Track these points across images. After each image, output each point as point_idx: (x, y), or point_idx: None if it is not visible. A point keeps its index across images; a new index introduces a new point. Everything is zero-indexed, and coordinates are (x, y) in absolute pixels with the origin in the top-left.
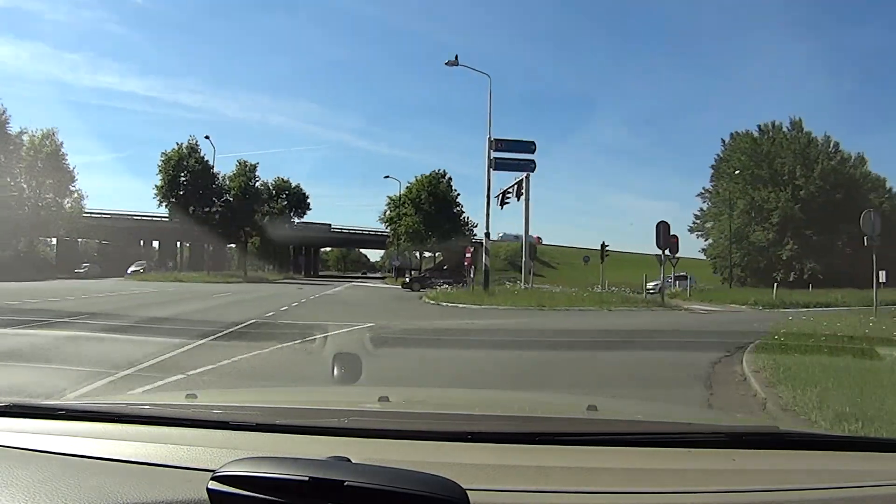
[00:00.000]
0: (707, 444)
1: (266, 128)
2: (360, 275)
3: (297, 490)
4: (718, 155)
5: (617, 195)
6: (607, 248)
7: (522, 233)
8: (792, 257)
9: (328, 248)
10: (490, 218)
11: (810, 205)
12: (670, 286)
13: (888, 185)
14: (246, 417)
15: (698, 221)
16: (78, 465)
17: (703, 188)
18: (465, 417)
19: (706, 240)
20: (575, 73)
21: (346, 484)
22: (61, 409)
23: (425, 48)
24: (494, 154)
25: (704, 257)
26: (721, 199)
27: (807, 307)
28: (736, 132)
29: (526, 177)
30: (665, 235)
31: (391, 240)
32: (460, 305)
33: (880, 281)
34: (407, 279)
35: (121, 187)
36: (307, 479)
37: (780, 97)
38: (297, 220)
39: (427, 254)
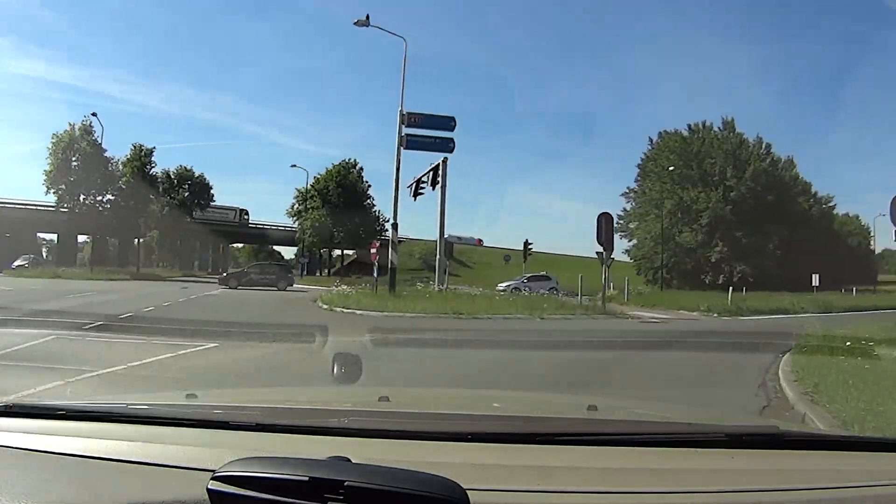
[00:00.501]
0: (707, 444)
1: (194, 121)
2: None
3: (297, 490)
4: (645, 154)
5: (542, 195)
6: (531, 247)
7: (450, 230)
8: (721, 259)
9: (240, 245)
10: (398, 205)
11: (741, 206)
12: (609, 289)
13: (813, 189)
14: (246, 417)
15: (622, 222)
16: (78, 465)
17: (628, 188)
18: (465, 417)
19: (630, 241)
20: (503, 71)
21: (346, 484)
22: (61, 409)
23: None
24: (407, 130)
25: (628, 259)
26: (647, 199)
27: (767, 314)
28: (665, 131)
29: (443, 161)
30: (607, 229)
31: (299, 235)
32: (358, 312)
33: (814, 284)
34: (224, 274)
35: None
36: (307, 479)
37: (710, 104)
38: (199, 211)
39: (337, 251)
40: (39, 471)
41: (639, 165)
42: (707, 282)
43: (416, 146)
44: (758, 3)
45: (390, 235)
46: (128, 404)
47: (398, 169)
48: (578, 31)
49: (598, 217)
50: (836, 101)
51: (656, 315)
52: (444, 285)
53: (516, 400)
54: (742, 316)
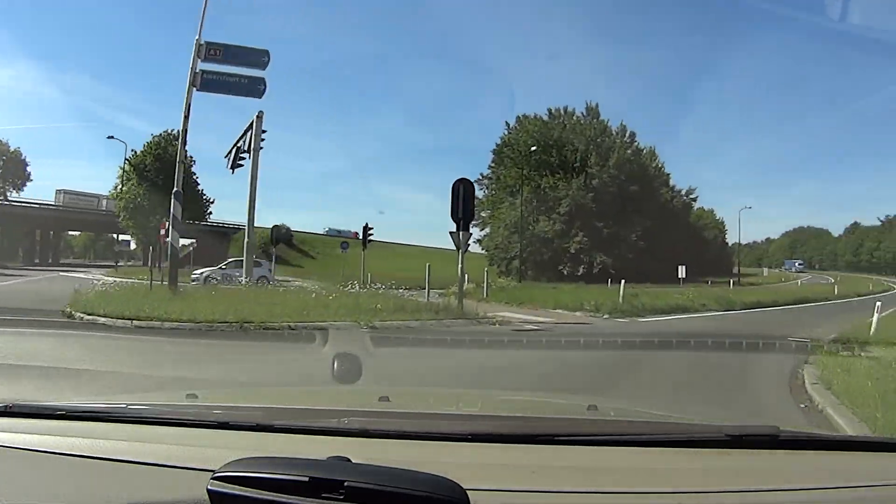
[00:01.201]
0: (707, 444)
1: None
2: (114, 264)
3: (298, 490)
4: (502, 138)
5: (391, 187)
6: (371, 233)
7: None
8: (581, 250)
9: (77, 233)
10: (183, 166)
11: (603, 195)
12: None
13: (671, 181)
14: (246, 418)
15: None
16: (78, 465)
17: (482, 174)
18: (465, 417)
19: (482, 230)
20: (354, 63)
21: (346, 484)
22: (61, 409)
23: None
24: (203, 65)
25: (480, 249)
26: (501, 185)
27: (669, 313)
28: (524, 115)
29: (257, 117)
30: (466, 200)
31: (120, 219)
32: (101, 320)
33: (680, 276)
34: None
35: None
36: (307, 479)
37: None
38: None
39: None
40: (39, 471)
41: (494, 150)
42: (565, 273)
43: (216, 87)
44: (621, 8)
45: (171, 208)
46: (128, 404)
47: (186, 117)
48: (438, 29)
49: (454, 185)
50: (689, 104)
51: (529, 317)
52: (265, 279)
53: (516, 400)
54: (640, 317)
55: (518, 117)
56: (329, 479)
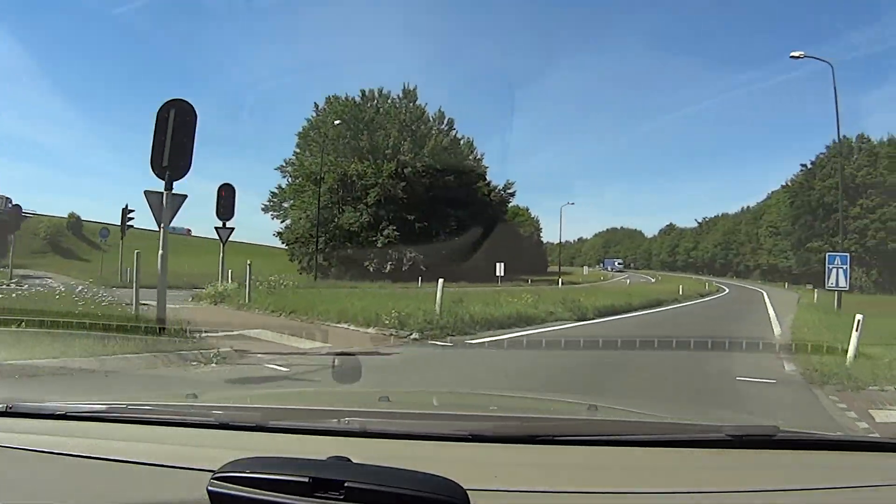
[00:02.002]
0: (707, 444)
1: None
2: None
3: (298, 490)
4: (309, 120)
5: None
6: (131, 218)
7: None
8: (389, 245)
9: None
10: None
11: (415, 185)
12: (226, 283)
13: (489, 176)
14: (246, 418)
15: (276, 200)
16: (78, 465)
17: (285, 160)
18: (465, 417)
19: (283, 221)
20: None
21: (346, 484)
22: (61, 409)
23: None
24: None
25: (280, 243)
26: (305, 171)
27: (504, 328)
28: (334, 95)
29: None
30: (228, 202)
31: None
32: None
33: (498, 274)
34: None
35: None
36: (307, 479)
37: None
38: None
39: None
40: (39, 471)
41: (299, 134)
42: (371, 270)
43: None
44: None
45: None
46: (128, 405)
47: None
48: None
49: (219, 189)
50: (512, 106)
51: (288, 341)
52: None
53: (516, 400)
54: (469, 335)
55: (328, 98)
56: (329, 479)
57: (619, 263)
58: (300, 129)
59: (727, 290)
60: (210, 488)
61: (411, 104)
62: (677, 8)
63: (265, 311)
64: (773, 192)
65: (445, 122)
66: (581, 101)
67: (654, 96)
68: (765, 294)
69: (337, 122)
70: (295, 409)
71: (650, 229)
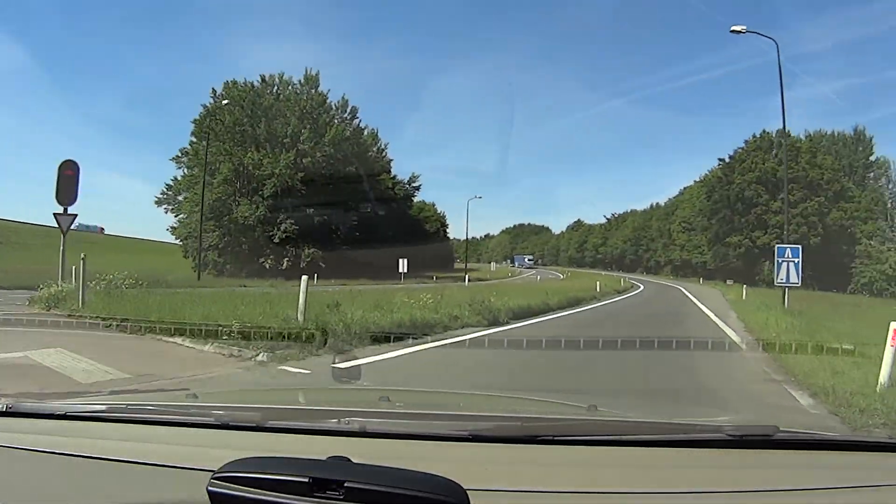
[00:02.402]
0: (707, 444)
1: None
2: None
3: (298, 490)
4: (206, 107)
5: (108, 175)
6: None
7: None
8: (287, 240)
9: None
10: None
11: (315, 177)
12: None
13: (393, 171)
14: (246, 418)
15: (170, 192)
16: (78, 465)
17: (181, 150)
18: (465, 417)
19: (177, 215)
20: None
21: (346, 484)
22: (61, 409)
23: None
24: None
25: (174, 239)
26: (201, 161)
27: (396, 342)
28: (233, 80)
29: None
30: (69, 183)
31: None
32: None
33: (401, 271)
34: None
35: None
36: (307, 479)
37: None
38: None
39: None
40: (39, 471)
41: (195, 121)
42: (267, 267)
43: None
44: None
45: None
46: (128, 404)
47: None
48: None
49: (60, 167)
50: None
51: (74, 378)
52: None
53: (516, 400)
54: (348, 352)
55: (226, 83)
56: (329, 479)
57: (529, 260)
58: (196, 117)
59: (642, 287)
60: (210, 488)
61: (313, 90)
62: (591, 5)
63: (95, 319)
64: (686, 188)
65: (349, 110)
66: (488, 98)
67: (562, 94)
68: (683, 290)
69: (225, 101)
70: (295, 409)
71: (558, 226)
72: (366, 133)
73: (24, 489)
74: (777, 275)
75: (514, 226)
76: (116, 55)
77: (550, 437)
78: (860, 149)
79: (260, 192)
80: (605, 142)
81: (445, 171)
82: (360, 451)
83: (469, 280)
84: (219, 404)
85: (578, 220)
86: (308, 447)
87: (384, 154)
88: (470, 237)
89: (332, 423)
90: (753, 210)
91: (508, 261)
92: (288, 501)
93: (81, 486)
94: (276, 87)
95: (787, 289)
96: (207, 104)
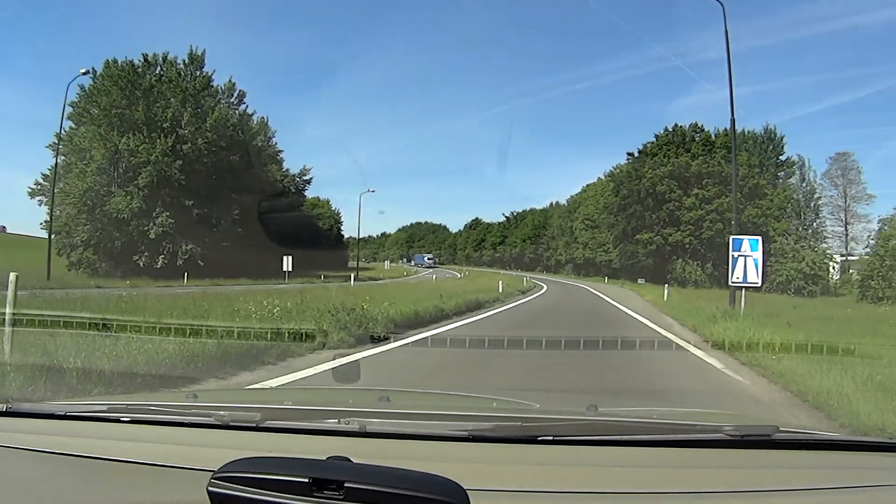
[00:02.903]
0: (707, 444)
1: None
2: None
3: (298, 490)
4: (84, 88)
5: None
6: None
7: None
8: (164, 235)
9: None
10: None
11: (195, 165)
12: None
13: (284, 162)
14: (246, 418)
15: (45, 182)
16: (78, 465)
17: (56, 134)
18: (465, 418)
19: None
20: None
21: (346, 484)
22: (61, 409)
23: None
24: None
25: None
26: (75, 148)
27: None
28: (113, 59)
29: None
30: None
31: None
32: None
33: (285, 269)
34: None
35: None
36: (307, 479)
37: None
38: None
39: None
40: (39, 471)
41: (73, 104)
42: (142, 265)
43: None
44: None
45: None
46: (128, 405)
47: None
48: None
49: None
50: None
51: None
52: None
53: (516, 401)
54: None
55: (106, 62)
56: (329, 479)
57: (429, 259)
58: (74, 98)
59: (546, 287)
60: (210, 488)
61: (197, 71)
62: (494, 6)
63: None
64: (589, 185)
65: (235, 94)
66: (386, 97)
67: (461, 94)
68: (592, 289)
69: (83, 70)
70: (295, 409)
71: (456, 224)
72: (255, 121)
73: (24, 489)
74: (732, 273)
75: (412, 224)
76: None
77: (550, 438)
78: (771, 147)
79: (135, 182)
80: (503, 142)
81: (344, 168)
82: (360, 451)
83: (359, 280)
84: (219, 404)
85: (476, 218)
86: (308, 447)
87: (273, 143)
88: (367, 236)
89: (332, 423)
90: (665, 206)
91: (404, 259)
92: (288, 501)
93: (81, 486)
94: (158, 68)
95: (741, 290)
96: (86, 85)
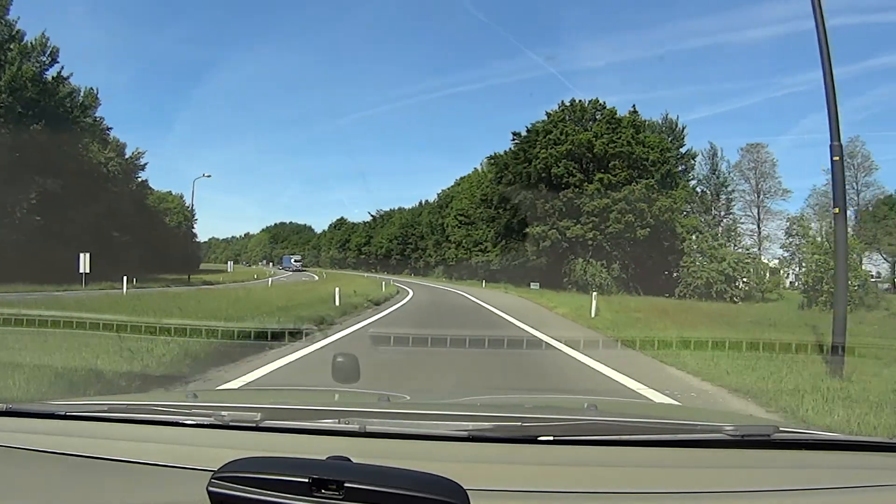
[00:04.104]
0: (707, 444)
1: None
2: None
3: (298, 490)
4: None
5: None
6: None
7: None
8: None
9: None
10: None
11: None
12: None
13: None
14: (246, 418)
15: None
16: (78, 465)
17: None
18: (465, 418)
19: None
20: None
21: (346, 484)
22: (61, 409)
23: None
24: None
25: None
26: None
27: None
28: None
29: None
30: None
31: None
32: None
33: (82, 272)
34: None
35: None
36: (307, 479)
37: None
38: None
39: None
40: (39, 471)
41: None
42: None
43: None
44: None
45: None
46: (128, 404)
47: None
48: None
49: None
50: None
51: None
52: None
53: (517, 401)
54: None
55: None
56: (329, 479)
57: (296, 261)
58: None
59: (412, 293)
60: (210, 488)
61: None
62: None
63: None
64: (463, 178)
65: (48, 51)
66: (258, 97)
67: (330, 97)
68: (472, 297)
69: None
70: (295, 408)
71: (322, 225)
72: (80, 92)
73: (24, 489)
74: None
75: (275, 224)
76: None
77: (550, 438)
78: (671, 139)
79: None
80: (372, 143)
81: (212, 167)
82: (360, 451)
83: (189, 284)
84: (219, 404)
85: (342, 217)
86: (308, 447)
87: (99, 120)
88: (230, 236)
89: (332, 423)
90: (563, 193)
91: (265, 261)
92: (288, 501)
93: (81, 486)
94: None
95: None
96: None
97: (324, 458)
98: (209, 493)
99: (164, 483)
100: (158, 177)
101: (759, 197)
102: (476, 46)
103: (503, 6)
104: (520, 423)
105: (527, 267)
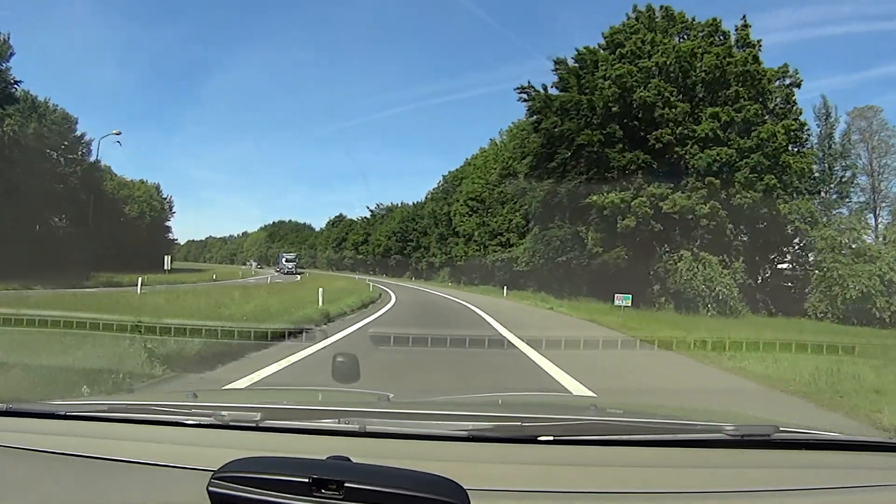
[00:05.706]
0: (707, 444)
1: None
2: None
3: (298, 490)
4: None
5: None
6: None
7: None
8: None
9: None
10: None
11: None
12: None
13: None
14: (246, 418)
15: None
16: (78, 465)
17: None
18: (465, 417)
19: None
20: None
21: (346, 484)
22: (61, 409)
23: None
24: None
25: None
26: None
27: None
28: None
29: None
30: None
31: None
32: None
33: None
34: None
35: None
36: (307, 479)
37: None
38: None
39: None
40: (39, 471)
41: None
42: None
43: None
44: None
45: None
46: (128, 404)
47: None
48: None
49: None
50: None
51: None
52: None
53: (517, 400)
54: None
55: None
56: (329, 479)
57: (288, 261)
58: None
59: (394, 297)
60: (210, 488)
61: None
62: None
63: None
64: (474, 155)
65: None
66: (259, 95)
67: (331, 98)
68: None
69: None
70: (295, 408)
71: (322, 223)
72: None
73: (25, 489)
74: None
75: (274, 223)
76: None
77: (550, 438)
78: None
79: None
80: (372, 143)
81: (212, 167)
82: (360, 451)
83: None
84: (219, 404)
85: (340, 214)
86: (308, 447)
87: (32, 95)
88: (227, 235)
89: (332, 423)
90: (654, 133)
91: (252, 262)
92: (288, 501)
93: (81, 485)
94: None
95: None
96: None
97: (324, 458)
98: (209, 493)
99: (165, 483)
100: (159, 176)
101: (873, 178)
102: (478, 47)
103: (506, 7)
104: (520, 423)
105: (573, 267)
